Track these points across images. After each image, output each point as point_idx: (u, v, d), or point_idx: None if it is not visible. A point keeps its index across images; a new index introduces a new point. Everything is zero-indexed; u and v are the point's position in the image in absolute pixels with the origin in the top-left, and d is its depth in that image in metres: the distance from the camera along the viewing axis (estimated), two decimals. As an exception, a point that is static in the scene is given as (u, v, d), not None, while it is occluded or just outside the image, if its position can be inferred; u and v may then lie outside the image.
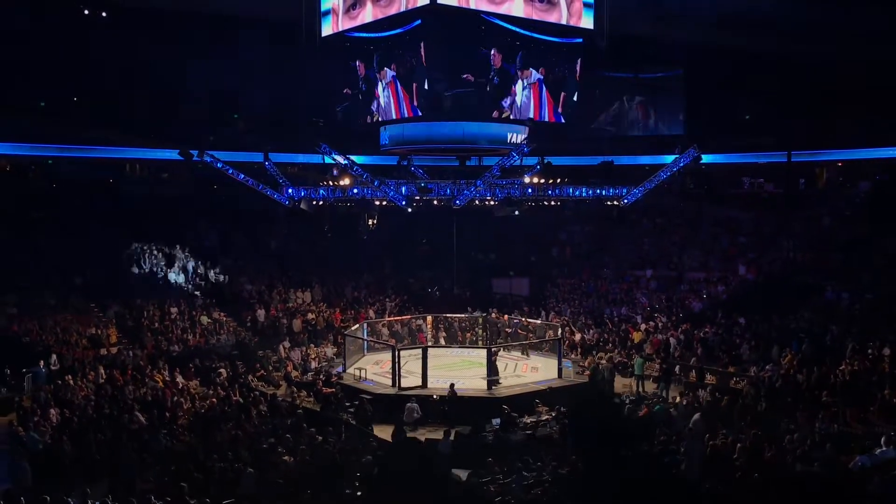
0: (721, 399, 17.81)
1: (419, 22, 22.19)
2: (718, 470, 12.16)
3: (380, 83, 24.05)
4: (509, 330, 26.47)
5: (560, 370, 21.87)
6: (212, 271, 30.27)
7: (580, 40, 24.24)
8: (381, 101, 24.04)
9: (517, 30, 22.99)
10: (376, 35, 23.91)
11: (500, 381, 21.09)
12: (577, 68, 24.42)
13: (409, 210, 25.08)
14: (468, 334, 26.85)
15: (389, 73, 23.55)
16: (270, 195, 26.67)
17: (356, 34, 24.26)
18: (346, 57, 25.04)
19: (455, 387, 19.68)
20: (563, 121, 24.67)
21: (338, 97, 26.06)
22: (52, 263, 27.02)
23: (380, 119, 24.49)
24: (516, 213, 25.64)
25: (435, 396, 19.60)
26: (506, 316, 27.29)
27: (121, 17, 29.71)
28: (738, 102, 35.96)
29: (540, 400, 19.36)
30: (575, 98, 24.77)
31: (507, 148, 24.90)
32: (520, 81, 23.38)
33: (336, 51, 25.24)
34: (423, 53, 22.15)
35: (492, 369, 21.07)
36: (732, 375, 20.70)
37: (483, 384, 20.65)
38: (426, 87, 22.35)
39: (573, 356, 24.53)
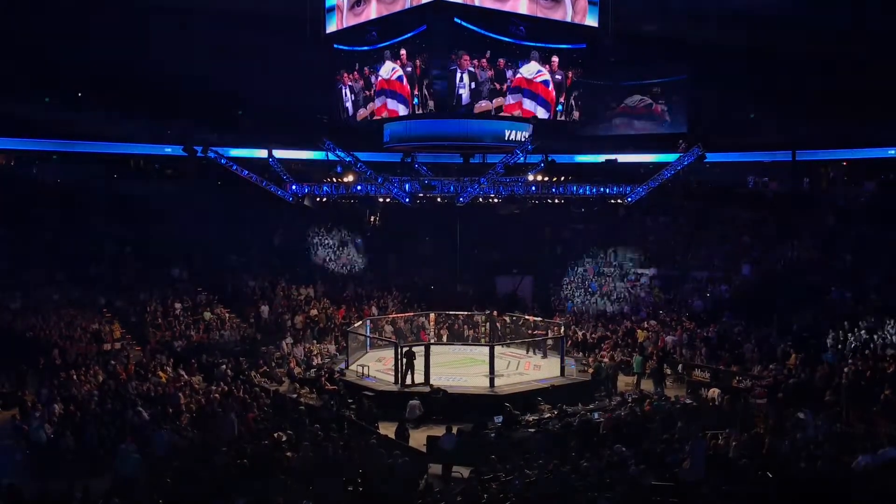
0: (724, 398, 17.81)
1: (424, 28, 22.41)
2: (720, 469, 12.15)
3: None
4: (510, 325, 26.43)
5: (563, 368, 21.84)
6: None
7: (584, 45, 24.36)
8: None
9: (527, 43, 23.37)
10: (372, 48, 24.32)
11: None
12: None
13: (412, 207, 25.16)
14: (471, 332, 26.80)
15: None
16: (274, 191, 26.75)
17: (348, 48, 24.82)
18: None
19: (443, 384, 19.63)
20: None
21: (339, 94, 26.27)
22: (55, 258, 27.05)
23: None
24: (518, 210, 25.62)
25: (440, 394, 19.56)
26: (506, 316, 27.15)
27: (124, 11, 29.67)
28: (743, 101, 35.82)
29: (542, 398, 19.34)
30: (573, 100, 24.95)
31: (511, 145, 24.89)
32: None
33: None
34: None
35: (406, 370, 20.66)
36: (735, 375, 20.66)
37: (485, 381, 20.61)
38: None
39: (576, 354, 24.50)
